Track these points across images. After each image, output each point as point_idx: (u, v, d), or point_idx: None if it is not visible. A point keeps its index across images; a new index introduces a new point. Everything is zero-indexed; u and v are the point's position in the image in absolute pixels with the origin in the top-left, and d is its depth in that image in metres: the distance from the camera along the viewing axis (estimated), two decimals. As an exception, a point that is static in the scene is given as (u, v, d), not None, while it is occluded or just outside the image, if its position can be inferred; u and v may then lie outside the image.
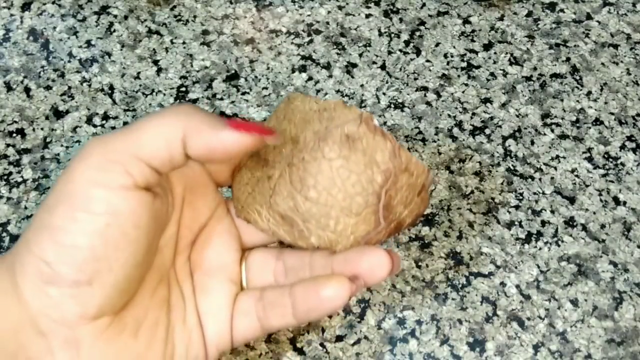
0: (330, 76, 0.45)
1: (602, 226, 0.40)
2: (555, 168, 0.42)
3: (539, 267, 0.38)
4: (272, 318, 0.29)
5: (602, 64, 0.46)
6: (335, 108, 0.28)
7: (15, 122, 0.42)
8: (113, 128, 0.42)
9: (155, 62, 0.45)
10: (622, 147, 0.43)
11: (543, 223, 0.40)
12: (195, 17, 0.47)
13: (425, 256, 0.38)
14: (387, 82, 0.45)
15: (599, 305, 0.37)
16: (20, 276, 0.24)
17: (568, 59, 0.46)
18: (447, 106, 0.44)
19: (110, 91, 0.44)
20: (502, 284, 0.37)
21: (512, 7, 0.49)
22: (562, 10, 0.49)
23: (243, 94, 0.44)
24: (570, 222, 0.40)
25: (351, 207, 0.27)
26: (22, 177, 0.40)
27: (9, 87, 0.44)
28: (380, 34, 0.47)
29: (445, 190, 0.40)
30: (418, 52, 0.46)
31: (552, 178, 0.41)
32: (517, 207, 0.40)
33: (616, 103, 0.44)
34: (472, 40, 0.47)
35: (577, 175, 0.41)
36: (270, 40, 0.46)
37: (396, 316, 0.36)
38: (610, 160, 0.42)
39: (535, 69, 0.46)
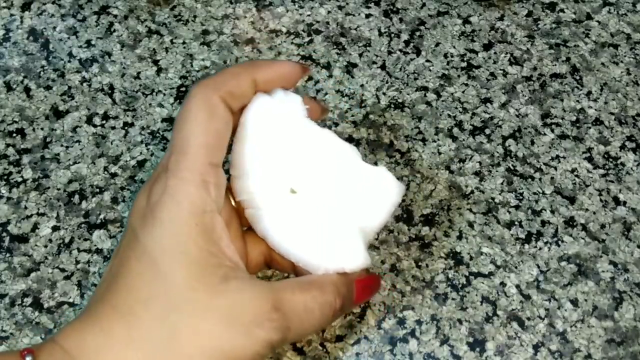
0: (330, 76, 0.45)
1: (602, 226, 0.40)
2: (555, 168, 0.42)
3: (539, 267, 0.38)
4: None
5: (602, 64, 0.46)
6: None
7: (15, 122, 0.42)
8: (113, 128, 0.42)
9: (155, 62, 0.45)
10: (622, 147, 0.43)
11: (543, 223, 0.40)
12: (195, 17, 0.47)
13: (425, 256, 0.38)
14: (387, 82, 0.45)
15: (599, 305, 0.37)
16: None
17: (568, 59, 0.46)
18: (447, 106, 0.44)
19: (110, 91, 0.44)
20: (502, 284, 0.37)
21: (512, 7, 0.49)
22: (562, 10, 0.49)
23: (243, 94, 0.44)
24: (570, 222, 0.40)
25: None
26: (22, 177, 0.40)
27: (9, 87, 0.44)
28: (380, 34, 0.47)
29: (445, 190, 0.40)
30: (418, 52, 0.46)
31: (552, 178, 0.41)
32: (517, 207, 0.40)
33: (616, 103, 0.44)
34: (472, 40, 0.47)
35: (577, 175, 0.41)
36: (270, 40, 0.46)
37: (396, 316, 0.36)
38: (610, 160, 0.42)
39: (535, 69, 0.46)
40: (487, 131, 0.43)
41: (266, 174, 0.29)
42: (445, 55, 0.46)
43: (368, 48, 0.46)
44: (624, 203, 0.41)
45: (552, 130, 0.43)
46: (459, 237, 0.39)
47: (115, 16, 0.47)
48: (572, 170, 0.42)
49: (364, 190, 0.30)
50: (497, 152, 0.42)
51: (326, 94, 0.44)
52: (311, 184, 0.30)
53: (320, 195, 0.30)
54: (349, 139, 0.42)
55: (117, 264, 0.26)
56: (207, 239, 0.26)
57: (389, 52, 0.46)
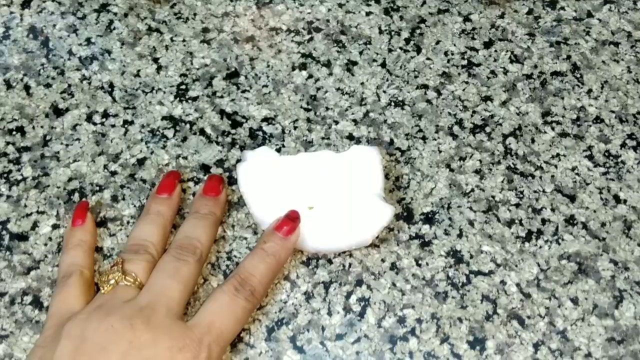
0: (331, 74, 0.45)
1: (603, 224, 0.40)
2: (556, 166, 0.42)
3: (539, 265, 0.38)
4: None
5: (603, 61, 0.46)
6: None
7: (15, 120, 0.42)
8: (113, 126, 0.42)
9: (155, 60, 0.45)
10: (623, 145, 0.43)
11: (543, 221, 0.40)
12: (195, 14, 0.47)
13: (426, 254, 0.38)
14: (387, 80, 0.45)
15: (599, 303, 0.37)
16: None
17: (569, 57, 0.46)
18: (448, 104, 0.44)
19: (110, 89, 0.44)
20: (503, 282, 0.37)
21: (513, 4, 0.49)
22: (562, 8, 0.49)
23: (243, 91, 0.44)
24: (570, 221, 0.40)
25: None
26: (21, 175, 0.40)
27: (8, 85, 0.44)
28: (381, 32, 0.47)
29: (446, 189, 0.40)
30: (418, 50, 0.46)
31: (552, 176, 0.41)
32: (517, 205, 0.40)
33: (617, 101, 0.44)
34: (473, 38, 0.47)
35: (577, 174, 0.41)
36: (270, 38, 0.46)
37: (396, 314, 0.36)
38: (611, 158, 0.42)
39: (535, 66, 0.46)
40: (488, 129, 0.43)
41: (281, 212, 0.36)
42: (446, 53, 0.46)
43: (368, 46, 0.46)
44: (625, 201, 0.40)
45: (553, 129, 0.43)
46: (459, 236, 0.39)
47: (115, 14, 0.47)
48: (573, 169, 0.42)
49: (358, 211, 0.36)
50: (498, 150, 0.42)
51: (326, 92, 0.44)
52: (320, 198, 0.37)
53: (329, 205, 0.37)
54: (349, 137, 0.42)
55: None
56: None
57: (390, 50, 0.46)
